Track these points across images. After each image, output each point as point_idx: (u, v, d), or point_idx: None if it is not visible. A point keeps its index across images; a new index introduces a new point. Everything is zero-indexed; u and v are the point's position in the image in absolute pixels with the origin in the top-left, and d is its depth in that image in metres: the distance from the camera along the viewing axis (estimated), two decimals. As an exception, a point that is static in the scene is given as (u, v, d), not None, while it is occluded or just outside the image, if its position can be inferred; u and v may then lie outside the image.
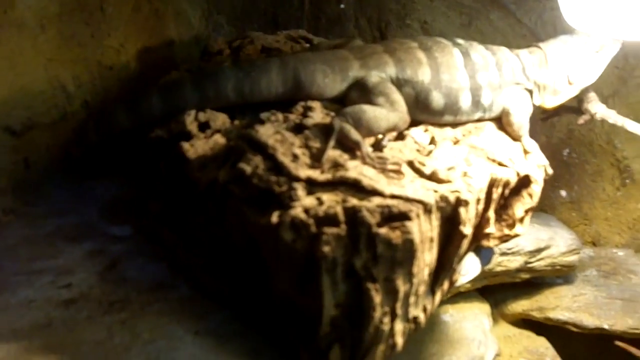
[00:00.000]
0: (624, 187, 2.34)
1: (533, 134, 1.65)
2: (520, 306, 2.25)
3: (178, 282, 1.41)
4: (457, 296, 2.12)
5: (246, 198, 1.28)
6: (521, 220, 1.61)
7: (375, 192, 1.27)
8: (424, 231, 1.27)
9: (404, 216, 1.24)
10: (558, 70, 1.67)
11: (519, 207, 1.59)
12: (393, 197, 1.26)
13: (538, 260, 2.14)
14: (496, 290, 2.24)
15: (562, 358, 2.14)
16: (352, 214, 1.22)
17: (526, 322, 2.29)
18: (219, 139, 1.43)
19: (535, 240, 2.13)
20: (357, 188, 1.28)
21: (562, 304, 2.19)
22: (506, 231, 1.62)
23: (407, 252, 1.23)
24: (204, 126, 1.45)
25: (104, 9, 1.83)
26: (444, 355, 1.80)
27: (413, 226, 1.23)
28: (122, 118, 1.47)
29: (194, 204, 1.41)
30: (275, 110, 1.46)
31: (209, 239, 1.41)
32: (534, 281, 2.25)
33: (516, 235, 1.62)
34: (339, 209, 1.22)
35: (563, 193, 2.37)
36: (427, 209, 1.28)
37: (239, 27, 2.48)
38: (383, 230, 1.21)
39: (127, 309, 1.34)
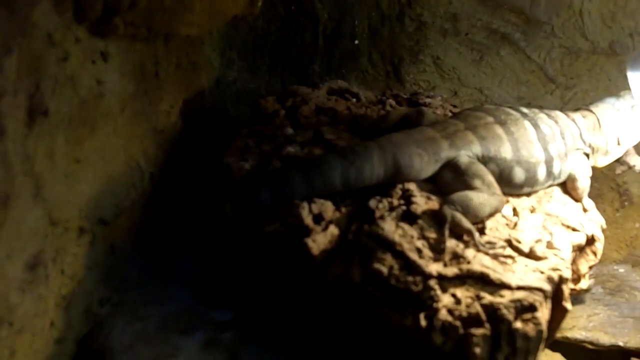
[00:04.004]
0: (623, 209, 2.54)
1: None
2: (538, 327, 2.40)
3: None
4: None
5: (384, 298, 1.34)
6: (584, 275, 1.74)
7: (503, 285, 1.36)
8: (545, 316, 1.37)
9: (533, 307, 1.33)
10: (609, 133, 1.80)
11: (584, 264, 1.73)
12: (519, 288, 1.36)
13: (560, 288, 2.30)
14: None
15: (578, 374, 2.31)
16: (492, 312, 1.30)
17: (541, 340, 2.45)
18: (334, 230, 1.47)
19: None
20: (484, 281, 1.36)
21: (578, 324, 2.36)
22: (571, 286, 1.75)
23: (537, 340, 1.33)
24: (317, 217, 1.48)
25: (158, 74, 1.80)
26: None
27: (541, 316, 1.33)
28: (229, 209, 1.48)
29: (313, 297, 1.45)
30: (380, 197, 1.52)
31: (330, 330, 1.46)
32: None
33: (581, 290, 1.75)
34: (479, 308, 1.31)
35: (567, 215, 2.53)
36: (546, 296, 1.38)
37: (250, 62, 2.48)
38: (519, 325, 1.31)
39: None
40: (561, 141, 1.70)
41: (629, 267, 2.57)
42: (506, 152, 1.61)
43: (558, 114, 1.77)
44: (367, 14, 2.42)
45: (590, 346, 2.35)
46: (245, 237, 1.51)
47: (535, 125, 1.67)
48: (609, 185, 2.52)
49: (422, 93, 2.15)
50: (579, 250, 1.70)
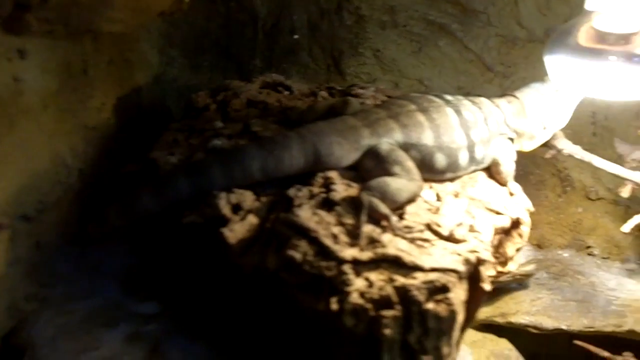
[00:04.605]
0: (565, 194, 2.57)
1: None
2: (483, 313, 2.43)
3: (224, 362, 1.47)
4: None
5: (298, 284, 1.36)
6: (512, 258, 1.77)
7: (416, 268, 1.38)
8: (459, 297, 1.40)
9: (445, 288, 1.36)
10: (535, 117, 1.83)
11: (510, 247, 1.75)
12: (432, 270, 1.38)
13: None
14: (460, 300, 2.41)
15: (525, 357, 2.35)
16: (404, 294, 1.32)
17: (487, 326, 2.49)
18: (253, 219, 1.48)
19: (497, 255, 2.31)
20: (398, 264, 1.38)
21: (522, 309, 2.40)
22: (499, 269, 1.77)
23: (450, 320, 1.35)
24: (235, 207, 1.50)
25: (87, 71, 1.81)
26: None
27: (454, 297, 1.35)
28: (149, 202, 1.50)
29: (234, 286, 1.47)
30: (300, 185, 1.53)
31: (253, 320, 1.47)
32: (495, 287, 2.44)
33: (508, 273, 1.78)
34: (390, 290, 1.33)
35: (510, 202, 2.56)
36: (460, 277, 1.41)
37: (191, 59, 2.49)
38: (431, 306, 1.33)
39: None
40: (484, 127, 1.73)
41: (573, 252, 2.62)
42: (427, 138, 1.63)
43: (482, 100, 1.80)
44: (305, 9, 2.45)
45: (534, 330, 2.39)
46: (167, 229, 1.52)
47: (458, 112, 1.70)
48: (551, 171, 2.56)
49: (357, 85, 2.17)
50: (504, 233, 1.72)
